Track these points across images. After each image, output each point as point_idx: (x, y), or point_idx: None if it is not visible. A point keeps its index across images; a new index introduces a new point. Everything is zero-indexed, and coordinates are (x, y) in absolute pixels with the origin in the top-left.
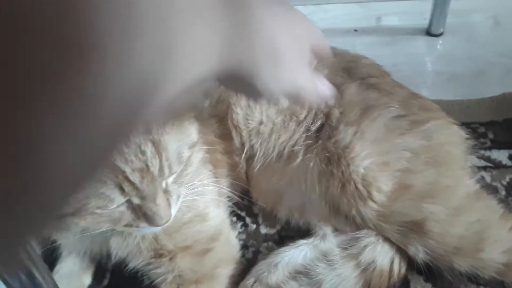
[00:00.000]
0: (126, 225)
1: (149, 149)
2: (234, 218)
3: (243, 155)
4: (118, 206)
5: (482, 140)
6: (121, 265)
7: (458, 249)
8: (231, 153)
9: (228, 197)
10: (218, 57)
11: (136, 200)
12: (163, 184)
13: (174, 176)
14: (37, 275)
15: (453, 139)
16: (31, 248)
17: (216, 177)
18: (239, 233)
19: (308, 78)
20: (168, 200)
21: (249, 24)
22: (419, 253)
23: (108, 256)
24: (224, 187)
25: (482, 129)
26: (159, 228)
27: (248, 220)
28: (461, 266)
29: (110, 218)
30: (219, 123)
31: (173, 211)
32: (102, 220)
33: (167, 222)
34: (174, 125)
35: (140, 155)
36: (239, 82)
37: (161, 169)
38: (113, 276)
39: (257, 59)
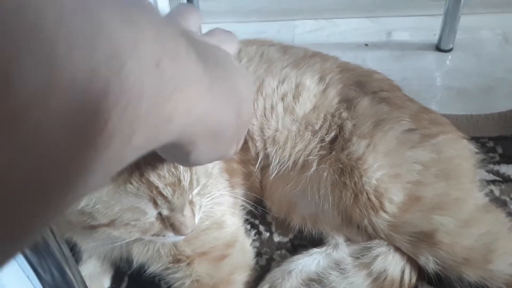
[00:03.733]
0: (153, 235)
1: None
2: (248, 226)
3: (257, 164)
4: (149, 218)
5: (491, 154)
6: (139, 269)
7: (467, 260)
8: (247, 163)
9: (243, 205)
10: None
11: (165, 212)
12: (190, 196)
13: (199, 188)
14: (68, 272)
15: (462, 153)
16: (65, 247)
17: (231, 186)
18: (253, 240)
19: (232, 152)
20: (192, 210)
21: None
22: (429, 263)
23: (128, 260)
24: (239, 196)
25: (491, 144)
26: (183, 237)
27: (261, 228)
28: (470, 276)
29: (141, 228)
30: None
31: (197, 220)
32: (134, 231)
33: (191, 231)
34: None
35: (173, 170)
36: (169, 148)
37: (191, 182)
38: (131, 280)
39: (200, 133)
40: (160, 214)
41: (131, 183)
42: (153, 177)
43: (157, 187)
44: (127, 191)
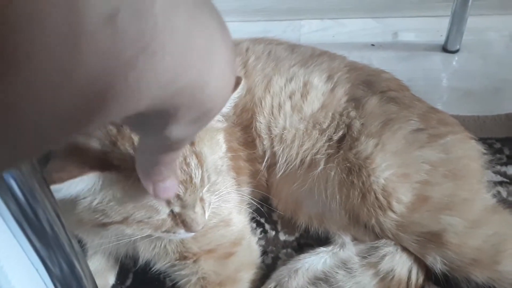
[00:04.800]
0: (164, 231)
1: (193, 161)
2: (254, 225)
3: (264, 162)
4: (162, 215)
5: (498, 155)
6: (144, 266)
7: (475, 260)
8: (254, 161)
9: (249, 203)
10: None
11: (177, 209)
12: (200, 193)
13: (209, 185)
14: (77, 266)
15: (471, 153)
16: (74, 241)
17: (238, 184)
18: (259, 239)
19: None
20: (203, 207)
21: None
22: (437, 264)
23: (134, 257)
24: (245, 194)
25: (498, 145)
26: (193, 233)
27: (267, 226)
28: (478, 277)
29: (153, 225)
30: (242, 131)
31: (206, 217)
32: (146, 228)
33: (202, 228)
34: (210, 137)
35: (185, 167)
36: (144, 120)
37: (202, 179)
38: (136, 277)
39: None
40: (171, 211)
41: None
42: None
43: None
44: (141, 189)
